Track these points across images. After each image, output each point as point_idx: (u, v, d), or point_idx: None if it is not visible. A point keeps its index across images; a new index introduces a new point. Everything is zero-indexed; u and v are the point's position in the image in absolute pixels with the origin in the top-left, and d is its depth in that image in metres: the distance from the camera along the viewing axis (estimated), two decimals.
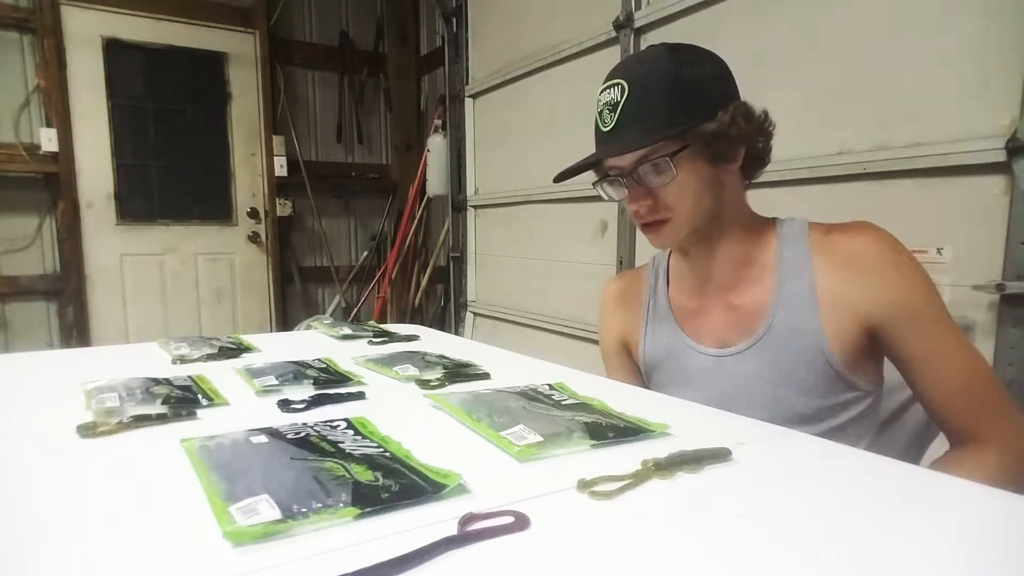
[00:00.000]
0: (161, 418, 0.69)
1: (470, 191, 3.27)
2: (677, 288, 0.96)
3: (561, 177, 0.89)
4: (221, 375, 0.90)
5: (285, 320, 3.75)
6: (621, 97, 0.79)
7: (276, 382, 0.84)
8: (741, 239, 0.86)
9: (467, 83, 3.21)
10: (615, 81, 0.81)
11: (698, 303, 0.92)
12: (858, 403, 0.82)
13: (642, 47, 2.10)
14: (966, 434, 0.76)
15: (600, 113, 0.83)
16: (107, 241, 3.26)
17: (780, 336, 0.82)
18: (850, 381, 0.80)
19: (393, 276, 3.81)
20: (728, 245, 0.86)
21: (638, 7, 2.10)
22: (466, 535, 0.43)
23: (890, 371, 0.83)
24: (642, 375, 1.01)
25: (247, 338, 1.18)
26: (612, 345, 1.06)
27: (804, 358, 0.80)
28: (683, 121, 0.78)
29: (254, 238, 3.62)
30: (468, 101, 3.23)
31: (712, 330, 0.89)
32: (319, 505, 0.45)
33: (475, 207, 3.28)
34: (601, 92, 0.83)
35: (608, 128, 0.82)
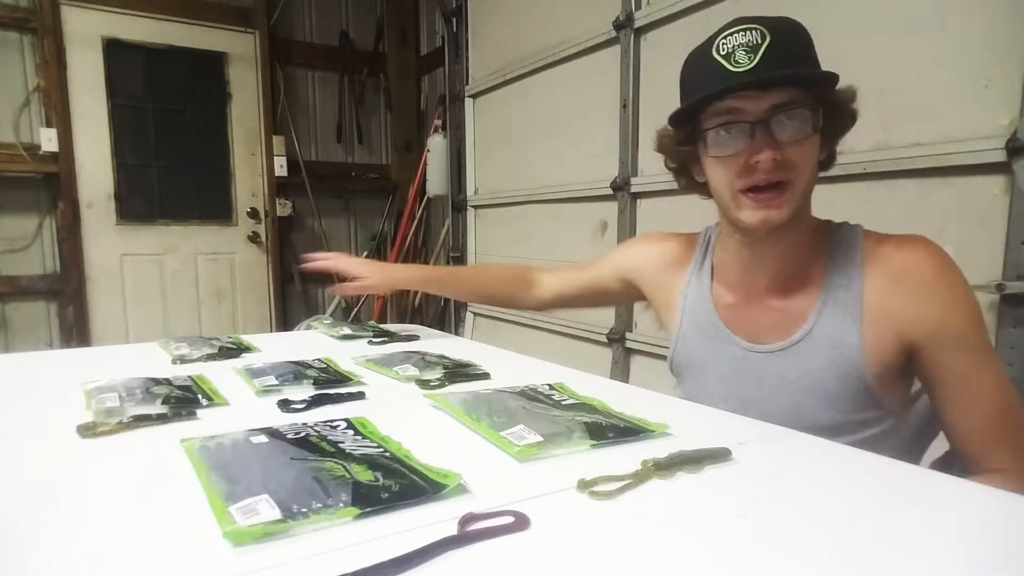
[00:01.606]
0: (161, 418, 0.69)
1: (470, 191, 3.27)
2: (720, 277, 0.92)
3: (676, 118, 0.81)
4: (221, 375, 0.90)
5: (285, 320, 3.75)
6: (762, 41, 0.71)
7: (276, 382, 0.84)
8: (806, 236, 0.82)
9: (467, 83, 3.21)
10: (749, 26, 0.73)
11: (739, 297, 0.89)
12: (880, 422, 0.80)
13: (642, 47, 2.10)
14: (985, 465, 0.74)
15: (729, 55, 0.73)
16: (107, 241, 3.26)
17: (817, 345, 0.79)
18: (878, 399, 0.78)
19: None
20: (797, 240, 0.81)
21: (638, 7, 2.10)
22: (466, 535, 0.43)
23: None
24: (625, 295, 1.07)
25: (247, 338, 1.18)
26: (624, 263, 1.06)
27: (837, 371, 0.78)
28: (832, 78, 0.74)
29: (254, 238, 3.62)
30: (468, 101, 3.23)
31: (748, 324, 0.87)
32: (319, 505, 0.45)
33: (475, 207, 3.28)
34: (724, 37, 0.74)
35: (744, 68, 0.71)
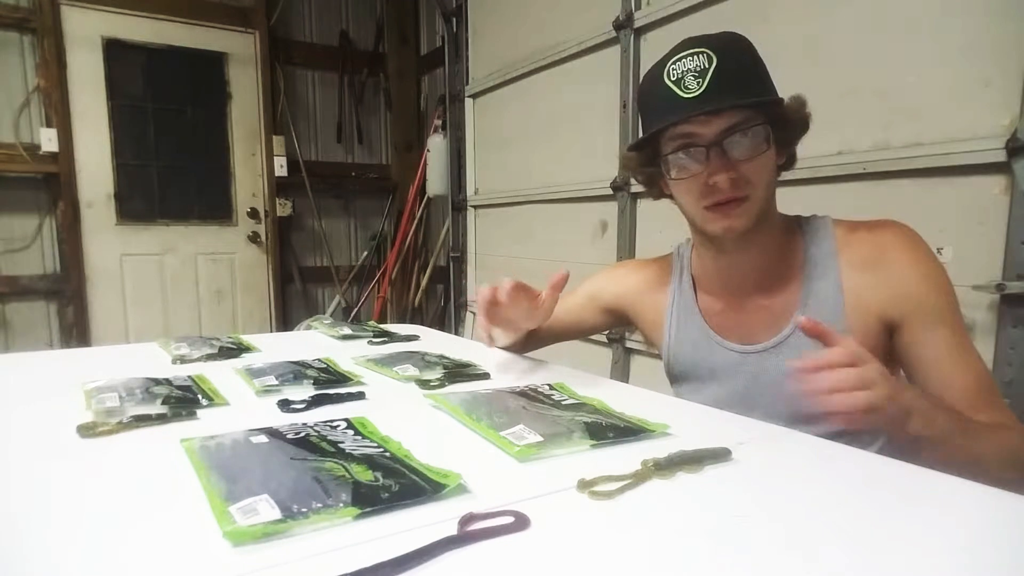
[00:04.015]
0: (161, 418, 0.69)
1: (470, 191, 3.27)
2: (702, 287, 0.96)
3: (638, 146, 0.86)
4: (221, 375, 0.90)
5: (285, 320, 3.75)
6: (709, 64, 0.75)
7: (276, 382, 0.84)
8: (772, 239, 0.86)
9: (467, 83, 3.21)
10: (696, 50, 0.77)
11: (724, 302, 0.92)
12: None
13: (642, 47, 2.10)
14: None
15: (679, 81, 0.77)
16: (107, 241, 3.26)
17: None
18: None
19: (393, 276, 3.81)
20: (762, 244, 0.85)
21: (638, 7, 2.10)
22: (466, 535, 0.43)
23: None
24: (605, 321, 1.09)
25: (247, 338, 1.18)
26: (607, 295, 1.07)
27: None
28: (775, 94, 0.78)
29: (254, 238, 3.62)
30: (468, 101, 3.23)
31: (738, 327, 0.90)
32: (319, 505, 0.45)
33: (475, 207, 3.28)
34: (674, 62, 0.78)
35: (694, 94, 0.75)
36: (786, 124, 0.80)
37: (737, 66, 0.77)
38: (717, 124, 0.76)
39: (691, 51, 0.77)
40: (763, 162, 0.79)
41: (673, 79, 0.78)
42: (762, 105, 0.77)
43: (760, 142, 0.77)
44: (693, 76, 0.76)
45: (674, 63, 0.78)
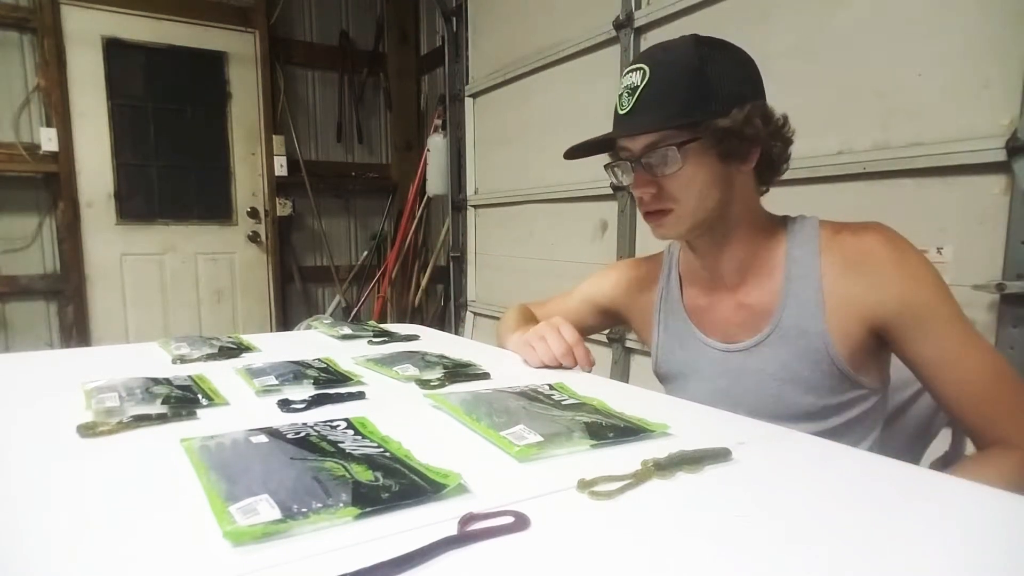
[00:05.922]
0: (161, 418, 0.69)
1: (470, 191, 3.27)
2: (688, 283, 0.97)
3: (572, 153, 0.90)
4: (221, 375, 0.90)
5: (285, 320, 3.75)
6: (641, 82, 0.79)
7: (276, 382, 0.84)
8: (749, 240, 0.86)
9: (467, 83, 3.21)
10: (639, 66, 0.80)
11: (708, 300, 0.93)
12: (864, 401, 0.82)
13: (642, 47, 2.10)
14: (990, 437, 0.73)
15: (620, 96, 0.82)
16: (107, 241, 3.26)
17: (786, 335, 0.82)
18: (855, 380, 0.80)
19: (393, 276, 3.81)
20: (736, 245, 0.86)
21: (638, 7, 2.10)
22: (466, 535, 0.43)
23: (894, 369, 0.83)
24: (600, 323, 1.14)
25: (247, 338, 1.18)
26: (601, 297, 1.10)
27: (810, 357, 0.80)
28: (696, 114, 0.77)
29: (254, 238, 3.62)
30: (468, 101, 3.23)
31: (721, 325, 0.90)
32: (319, 505, 0.45)
33: (475, 207, 3.28)
34: (624, 75, 0.83)
35: (624, 111, 0.81)
36: (730, 137, 0.78)
37: (666, 84, 0.78)
38: (640, 140, 0.81)
39: (634, 67, 0.81)
40: (686, 178, 0.79)
41: (618, 93, 0.83)
42: (685, 124, 0.78)
43: (675, 160, 0.79)
44: (628, 93, 0.80)
45: (623, 76, 0.83)
